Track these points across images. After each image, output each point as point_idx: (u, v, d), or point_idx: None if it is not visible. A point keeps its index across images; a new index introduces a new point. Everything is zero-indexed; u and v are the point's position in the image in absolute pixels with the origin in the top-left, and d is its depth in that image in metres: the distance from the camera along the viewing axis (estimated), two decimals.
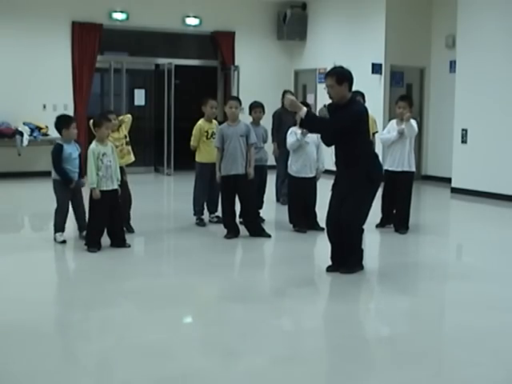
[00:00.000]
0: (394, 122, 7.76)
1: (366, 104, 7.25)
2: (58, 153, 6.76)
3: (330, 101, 5.84)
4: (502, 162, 10.30)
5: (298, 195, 7.57)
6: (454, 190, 11.01)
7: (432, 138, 12.81)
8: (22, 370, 3.77)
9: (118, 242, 6.71)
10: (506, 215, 9.40)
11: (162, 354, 3.99)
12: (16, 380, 3.67)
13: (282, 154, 9.01)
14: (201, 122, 7.91)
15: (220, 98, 13.17)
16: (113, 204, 6.66)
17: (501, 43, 10.31)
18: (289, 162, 7.63)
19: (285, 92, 10.11)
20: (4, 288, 5.42)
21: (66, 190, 6.83)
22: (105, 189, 6.56)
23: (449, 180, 11.32)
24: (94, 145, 6.62)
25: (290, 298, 5.35)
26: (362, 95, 7.93)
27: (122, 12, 12.90)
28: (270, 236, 7.29)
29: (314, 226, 7.56)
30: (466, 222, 9.07)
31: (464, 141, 10.96)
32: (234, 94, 13.21)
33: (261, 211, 8.02)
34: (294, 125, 7.26)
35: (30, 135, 11.74)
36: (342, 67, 5.73)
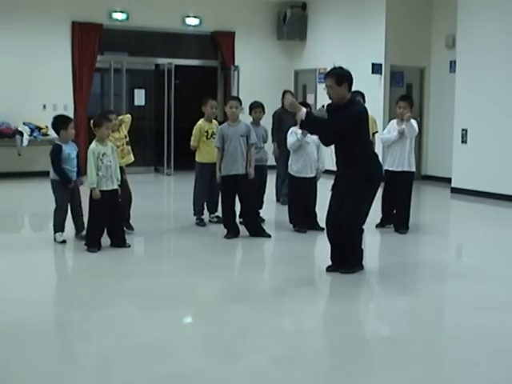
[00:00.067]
0: (394, 122, 7.76)
1: (366, 104, 7.26)
2: (57, 154, 6.77)
3: (330, 101, 5.85)
4: (502, 162, 10.30)
5: (299, 195, 7.57)
6: (454, 190, 11.02)
7: (432, 138, 12.81)
8: (22, 370, 3.78)
9: (118, 241, 6.71)
10: (505, 215, 9.40)
11: (162, 354, 3.99)
12: (16, 380, 3.67)
13: (282, 154, 9.01)
14: (201, 122, 7.91)
15: (220, 98, 13.17)
16: (113, 204, 6.66)
17: (501, 43, 10.31)
18: (289, 162, 7.63)
19: (285, 92, 10.12)
20: (4, 288, 5.42)
21: (65, 189, 6.84)
22: (105, 189, 6.56)
23: (449, 180, 11.32)
24: (93, 145, 6.62)
25: (290, 298, 5.35)
26: (362, 95, 7.94)
27: (122, 12, 12.90)
28: (270, 236, 7.29)
29: (314, 226, 7.56)
30: (466, 222, 9.07)
31: (464, 141, 10.96)
32: (234, 93, 13.21)
33: (261, 211, 8.02)
34: (294, 125, 7.26)
35: (30, 135, 11.74)
36: (341, 68, 5.73)
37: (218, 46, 13.86)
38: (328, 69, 5.95)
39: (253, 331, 4.47)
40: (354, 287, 5.57)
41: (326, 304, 5.39)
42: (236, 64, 13.86)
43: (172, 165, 13.27)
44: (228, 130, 7.20)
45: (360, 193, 5.69)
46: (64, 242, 6.85)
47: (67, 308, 5.02)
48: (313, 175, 7.57)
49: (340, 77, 5.62)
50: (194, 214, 7.97)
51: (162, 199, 11.50)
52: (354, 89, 5.89)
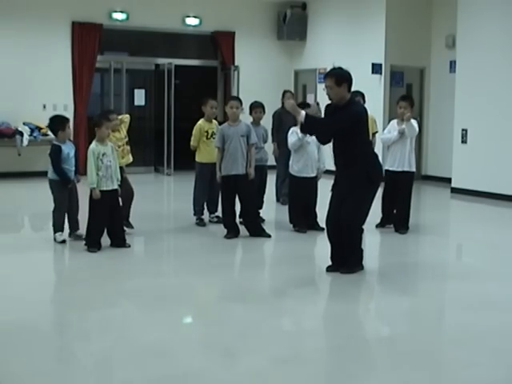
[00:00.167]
0: (394, 122, 7.76)
1: (366, 104, 7.27)
2: (57, 154, 6.78)
3: (326, 100, 5.85)
4: (502, 161, 10.30)
5: (299, 195, 7.56)
6: (454, 190, 11.02)
7: (432, 138, 12.81)
8: (21, 370, 3.78)
9: (118, 241, 6.71)
10: (505, 215, 9.40)
11: (162, 354, 3.99)
12: (16, 380, 3.67)
13: (282, 153, 9.01)
14: (201, 122, 7.91)
15: (220, 98, 13.17)
16: (113, 204, 6.66)
17: (501, 43, 10.31)
18: (290, 162, 7.63)
19: (285, 92, 10.13)
20: (4, 288, 5.42)
21: (64, 189, 6.85)
22: (105, 189, 6.56)
23: (449, 180, 11.32)
24: (93, 145, 6.62)
25: (290, 298, 5.34)
26: (362, 95, 7.94)
27: (122, 12, 12.90)
28: (270, 236, 7.29)
29: (314, 226, 7.56)
30: (466, 222, 9.07)
31: (464, 141, 10.96)
32: (234, 93, 13.20)
33: (261, 211, 8.01)
34: (295, 125, 7.25)
35: (30, 135, 11.75)
36: (341, 68, 5.73)
37: (218, 45, 13.86)
38: (328, 69, 5.95)
39: (253, 331, 4.47)
40: (354, 287, 5.57)
41: (326, 304, 5.39)
42: (236, 64, 13.86)
43: (172, 165, 13.27)
44: (228, 130, 7.20)
45: (360, 193, 5.70)
46: (64, 241, 6.85)
47: (67, 308, 5.02)
48: (314, 175, 7.57)
49: (339, 77, 5.62)
50: (194, 214, 7.97)
51: (162, 199, 11.50)
52: (354, 89, 5.90)
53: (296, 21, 13.89)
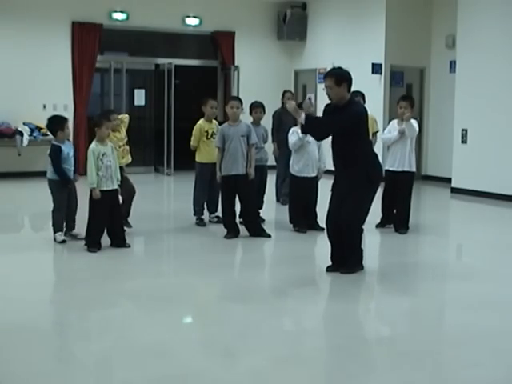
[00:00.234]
0: (394, 121, 7.75)
1: (366, 104, 7.27)
2: (57, 154, 6.78)
3: (326, 100, 5.85)
4: (502, 162, 10.30)
5: (300, 195, 7.56)
6: (454, 190, 11.01)
7: (432, 138, 12.81)
8: (21, 370, 3.78)
9: (118, 241, 6.71)
10: (505, 215, 9.40)
11: (162, 354, 3.99)
12: (16, 380, 3.67)
13: (282, 153, 9.01)
14: (201, 122, 7.91)
15: (220, 98, 13.17)
16: (113, 204, 6.66)
17: (501, 43, 10.31)
18: (291, 162, 7.63)
19: (285, 92, 10.13)
20: (4, 288, 5.42)
21: (63, 189, 6.85)
22: (105, 189, 6.57)
23: (449, 180, 11.32)
24: (93, 145, 6.62)
25: (290, 298, 5.35)
26: (362, 95, 7.95)
27: (122, 12, 12.89)
28: (270, 236, 7.29)
29: (314, 226, 7.56)
30: (466, 222, 9.07)
31: (464, 141, 10.96)
32: (234, 93, 13.20)
33: (261, 211, 8.01)
34: (295, 125, 7.26)
35: (30, 135, 11.75)
36: (340, 68, 5.73)
37: (218, 46, 13.86)
38: (328, 69, 5.95)
39: (253, 331, 4.47)
40: (354, 287, 5.57)
41: (326, 304, 5.39)
42: (236, 64, 13.86)
43: (172, 165, 13.27)
44: (229, 130, 7.20)
45: (360, 193, 5.69)
46: (64, 241, 6.85)
47: (67, 308, 5.02)
48: (314, 175, 7.57)
49: (339, 77, 5.62)
50: (194, 214, 7.97)
51: (162, 199, 11.49)
52: (354, 89, 5.90)
53: (296, 21, 13.89)
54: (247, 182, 7.22)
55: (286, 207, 7.92)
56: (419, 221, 8.44)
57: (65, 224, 7.01)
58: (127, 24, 13.02)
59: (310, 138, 7.35)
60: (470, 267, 6.42)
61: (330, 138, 5.84)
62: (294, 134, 7.39)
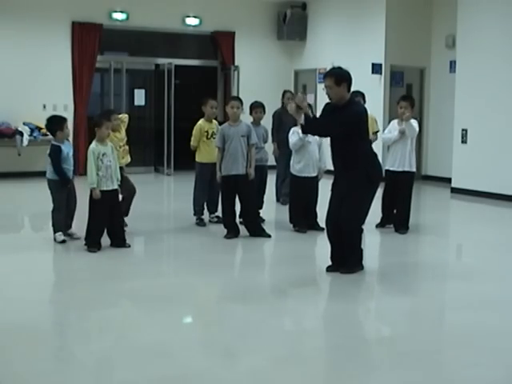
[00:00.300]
0: (395, 121, 7.75)
1: (366, 104, 7.27)
2: (57, 154, 6.79)
3: (326, 100, 5.85)
4: (502, 162, 10.30)
5: (300, 195, 7.56)
6: (454, 190, 11.01)
7: (432, 138, 12.81)
8: (21, 370, 3.77)
9: (118, 241, 6.71)
10: (505, 215, 9.40)
11: (162, 354, 3.99)
12: (16, 379, 3.66)
13: (283, 153, 9.01)
14: (201, 122, 7.91)
15: (220, 98, 13.18)
16: (113, 204, 6.66)
17: (501, 43, 10.31)
18: (291, 162, 7.63)
19: (285, 92, 10.12)
20: (4, 288, 5.42)
21: (63, 189, 6.86)
22: (105, 189, 6.57)
23: (449, 180, 11.32)
24: (93, 145, 6.63)
25: (290, 298, 5.35)
26: (362, 95, 7.94)
27: (121, 12, 12.89)
28: (270, 236, 7.29)
29: (314, 226, 7.56)
30: (466, 222, 9.07)
31: (464, 141, 10.96)
32: (234, 93, 13.19)
33: (261, 211, 8.01)
34: (295, 125, 7.25)
35: (30, 135, 11.74)
36: (340, 68, 5.73)
37: (218, 46, 13.86)
38: (328, 69, 5.95)
39: (253, 331, 4.47)
40: (354, 287, 5.57)
41: (326, 304, 5.39)
42: (236, 64, 13.85)
43: (172, 165, 13.27)
44: (229, 130, 7.20)
45: (359, 193, 5.69)
46: (64, 241, 6.85)
47: (67, 308, 5.02)
48: (315, 175, 7.57)
49: (339, 77, 5.61)
50: (194, 214, 7.97)
51: (162, 199, 11.49)
52: (354, 89, 5.90)
53: (296, 21, 13.89)
54: (247, 182, 7.22)
55: (286, 207, 7.92)
56: (419, 221, 8.44)
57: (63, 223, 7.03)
58: (127, 24, 13.02)
59: (310, 138, 7.36)
60: (470, 267, 6.42)
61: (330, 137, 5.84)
62: (295, 134, 7.39)
